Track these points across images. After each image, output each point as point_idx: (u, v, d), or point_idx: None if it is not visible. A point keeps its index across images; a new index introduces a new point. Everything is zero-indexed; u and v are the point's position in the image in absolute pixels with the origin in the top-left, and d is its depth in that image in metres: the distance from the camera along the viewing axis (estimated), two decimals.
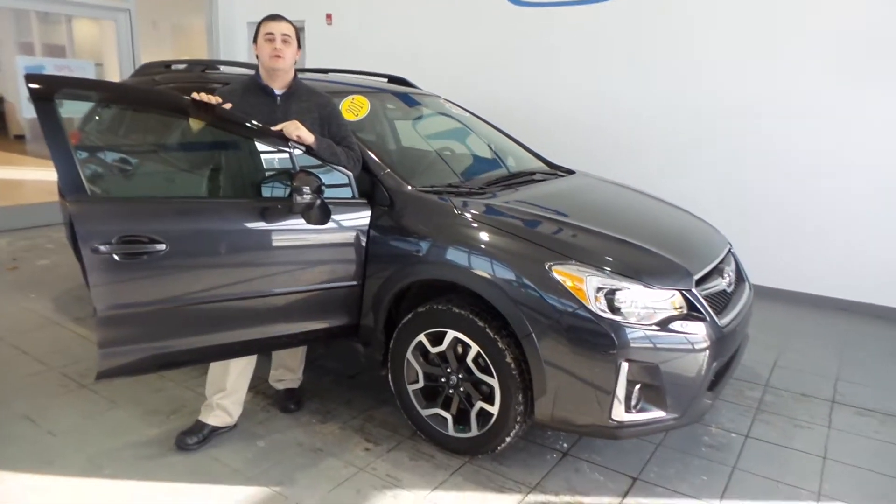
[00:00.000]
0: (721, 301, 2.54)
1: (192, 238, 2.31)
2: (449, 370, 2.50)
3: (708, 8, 4.68)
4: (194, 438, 2.54)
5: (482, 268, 2.36)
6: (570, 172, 3.57)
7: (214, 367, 2.59)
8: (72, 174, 2.12)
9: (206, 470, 2.41)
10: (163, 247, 2.20)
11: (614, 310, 2.22)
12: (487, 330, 2.33)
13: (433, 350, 2.51)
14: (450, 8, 5.91)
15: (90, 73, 6.41)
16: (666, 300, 2.29)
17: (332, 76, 3.67)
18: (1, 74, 7.43)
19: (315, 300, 2.58)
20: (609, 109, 5.20)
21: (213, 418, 2.59)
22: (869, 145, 4.24)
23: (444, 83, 5.04)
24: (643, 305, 2.25)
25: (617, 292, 2.24)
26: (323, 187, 2.36)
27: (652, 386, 2.25)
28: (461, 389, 2.49)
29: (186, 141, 2.60)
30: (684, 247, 2.70)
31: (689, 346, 2.27)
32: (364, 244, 2.62)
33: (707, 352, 2.29)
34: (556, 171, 3.58)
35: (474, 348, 2.38)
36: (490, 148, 3.67)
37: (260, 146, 2.52)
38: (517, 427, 2.38)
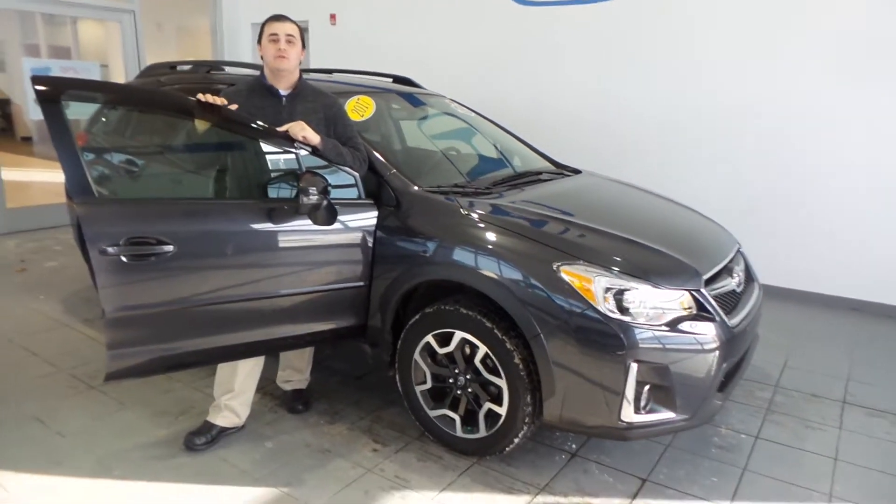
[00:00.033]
0: (731, 301, 2.52)
1: (200, 239, 2.31)
2: (457, 371, 2.49)
3: (711, 7, 4.65)
4: (202, 439, 2.54)
5: (490, 268, 2.35)
6: (577, 172, 3.55)
7: (222, 369, 2.60)
8: (79, 176, 2.12)
9: (215, 471, 2.41)
10: (170, 248, 2.20)
11: (623, 310, 2.20)
12: (495, 331, 2.32)
13: (441, 351, 2.50)
14: (454, 7, 5.90)
15: (96, 75, 6.43)
16: (675, 300, 2.28)
17: (336, 76, 3.67)
18: (7, 76, 7.46)
19: (322, 301, 2.58)
20: (615, 108, 5.18)
21: (222, 419, 2.59)
22: (880, 144, 4.21)
23: (449, 83, 5.03)
24: (652, 306, 2.24)
25: (625, 293, 2.22)
26: (329, 188, 2.36)
27: (661, 387, 2.24)
28: (469, 390, 2.48)
29: (192, 142, 2.61)
30: (693, 246, 2.68)
31: (699, 347, 2.25)
32: (371, 245, 2.61)
33: (717, 352, 2.27)
34: (563, 170, 3.56)
35: (482, 349, 2.38)
36: (496, 148, 3.66)
37: (266, 147, 2.51)
38: (525, 428, 2.37)
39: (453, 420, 2.53)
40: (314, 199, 2.30)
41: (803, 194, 4.50)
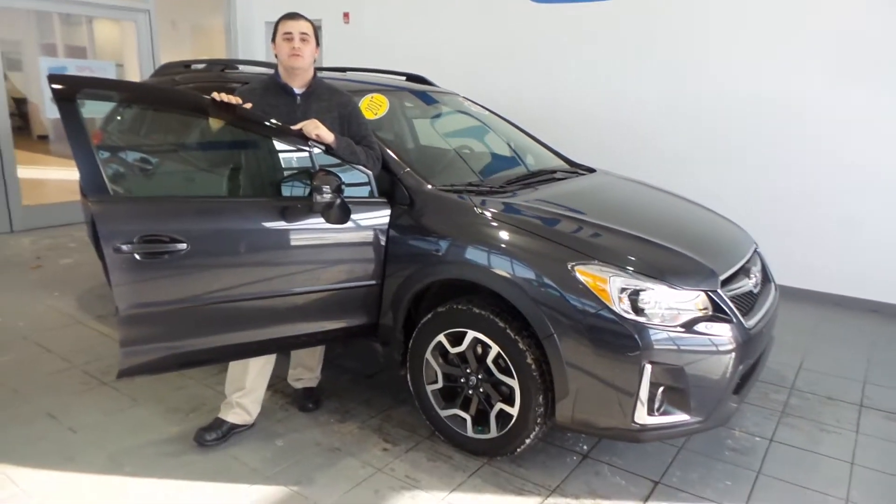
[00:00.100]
0: (747, 302, 2.49)
1: (213, 237, 2.31)
2: (468, 371, 2.48)
3: (728, 4, 4.60)
4: (213, 435, 2.55)
5: (503, 267, 2.34)
6: (591, 171, 3.53)
7: (234, 366, 2.60)
8: (94, 174, 2.13)
9: (226, 468, 2.42)
10: (184, 246, 2.20)
11: (638, 311, 2.18)
12: (508, 330, 2.30)
13: (453, 350, 2.49)
14: (468, 5, 5.89)
15: (111, 74, 6.48)
16: (691, 301, 2.25)
17: (349, 75, 3.67)
18: (24, 76, 7.54)
19: (334, 299, 2.58)
20: (631, 107, 5.14)
21: (233, 416, 2.60)
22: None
23: (462, 81, 5.02)
24: (667, 306, 2.21)
25: (641, 293, 2.20)
26: (343, 186, 2.35)
27: (676, 388, 2.21)
28: (480, 390, 2.46)
29: (207, 140, 2.61)
30: (709, 246, 2.65)
31: (715, 349, 2.23)
32: (384, 243, 2.60)
33: (733, 354, 2.24)
34: (577, 169, 3.54)
35: (494, 349, 2.36)
36: (509, 146, 3.64)
37: (280, 145, 2.51)
38: (537, 429, 2.35)
39: (464, 420, 2.51)
40: (328, 197, 2.30)
41: (820, 193, 4.45)
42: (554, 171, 3.31)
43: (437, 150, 3.45)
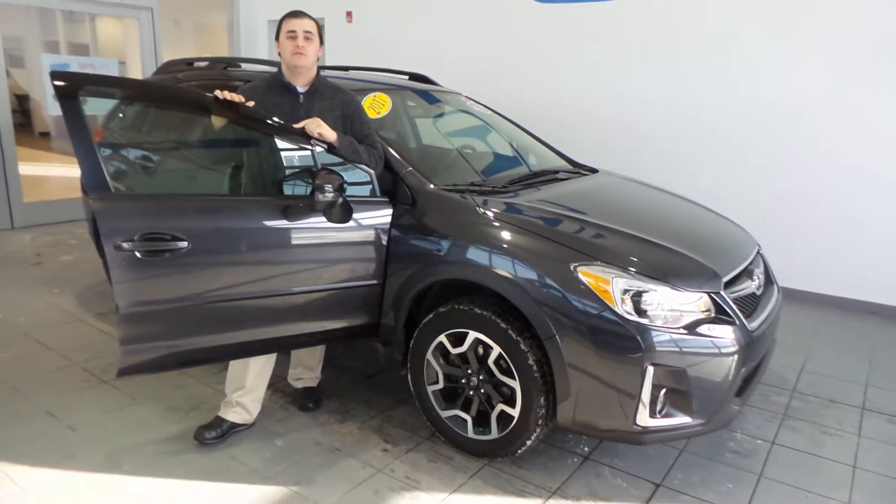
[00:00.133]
0: (750, 304, 2.48)
1: (214, 236, 2.30)
2: (469, 371, 2.47)
3: (730, 5, 4.60)
4: (213, 433, 2.54)
5: (505, 268, 2.33)
6: (594, 171, 3.52)
7: (234, 365, 2.59)
8: (95, 171, 2.12)
9: (225, 468, 2.41)
10: (185, 244, 2.19)
11: (640, 312, 2.17)
12: (510, 331, 2.29)
13: (454, 351, 2.48)
14: (471, 5, 5.88)
15: (114, 71, 6.48)
16: (693, 303, 2.24)
17: (352, 73, 3.66)
18: (26, 72, 7.54)
19: (335, 299, 2.57)
20: (632, 107, 5.13)
21: (233, 415, 2.59)
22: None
23: (465, 80, 5.01)
24: (670, 308, 2.20)
25: (643, 294, 2.19)
26: (345, 185, 2.34)
27: (678, 391, 2.20)
28: (482, 391, 2.46)
29: (209, 138, 2.60)
30: (712, 248, 2.64)
31: (717, 351, 2.22)
32: (385, 243, 2.59)
33: (736, 356, 2.23)
34: (580, 169, 3.53)
35: (496, 350, 2.35)
36: (512, 146, 3.63)
37: (282, 144, 2.51)
38: (538, 430, 2.34)
39: (465, 421, 2.50)
40: (330, 196, 2.29)
41: (820, 193, 4.44)
42: (556, 172, 3.30)
43: (439, 150, 3.44)
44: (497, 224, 2.45)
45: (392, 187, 2.65)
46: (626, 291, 2.18)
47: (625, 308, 2.16)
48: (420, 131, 3.58)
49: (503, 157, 3.58)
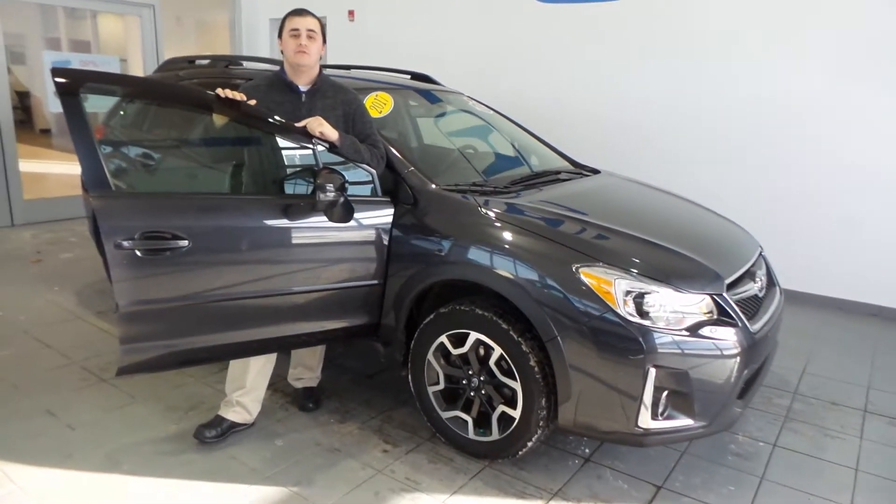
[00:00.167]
0: (752, 306, 2.47)
1: (215, 234, 2.29)
2: (470, 372, 2.46)
3: (731, 5, 4.59)
4: (213, 432, 2.53)
5: (506, 268, 2.32)
6: (596, 172, 3.50)
7: (234, 365, 2.58)
8: (96, 169, 2.11)
9: (224, 468, 2.40)
10: (185, 243, 2.18)
11: (643, 314, 2.16)
12: (511, 332, 2.28)
13: (455, 352, 2.47)
14: (473, 4, 5.87)
15: (115, 69, 6.46)
16: (696, 304, 2.23)
17: (354, 72, 3.65)
18: (28, 69, 7.53)
19: (336, 299, 2.56)
20: (633, 107, 5.12)
21: (233, 414, 2.58)
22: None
23: (466, 80, 5.00)
24: (672, 310, 2.19)
25: (646, 296, 2.18)
26: (346, 185, 2.33)
27: (680, 393, 2.19)
28: (483, 392, 2.45)
29: (210, 137, 2.59)
30: (715, 249, 2.63)
31: (720, 353, 2.21)
32: (386, 243, 2.58)
33: (738, 358, 2.22)
34: (582, 170, 3.52)
35: (497, 351, 2.34)
36: (514, 146, 3.62)
37: (283, 142, 2.50)
38: (539, 432, 2.33)
39: (466, 422, 2.49)
40: (331, 195, 2.28)
41: (820, 193, 4.44)
42: (558, 172, 3.29)
43: (440, 150, 3.43)
44: (499, 224, 2.44)
45: (393, 187, 2.64)
46: (628, 293, 2.17)
47: (627, 309, 2.15)
48: (422, 131, 3.57)
49: (505, 158, 3.57)
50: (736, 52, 4.62)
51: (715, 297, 2.27)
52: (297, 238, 2.43)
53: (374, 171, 2.57)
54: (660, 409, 2.19)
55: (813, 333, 4.03)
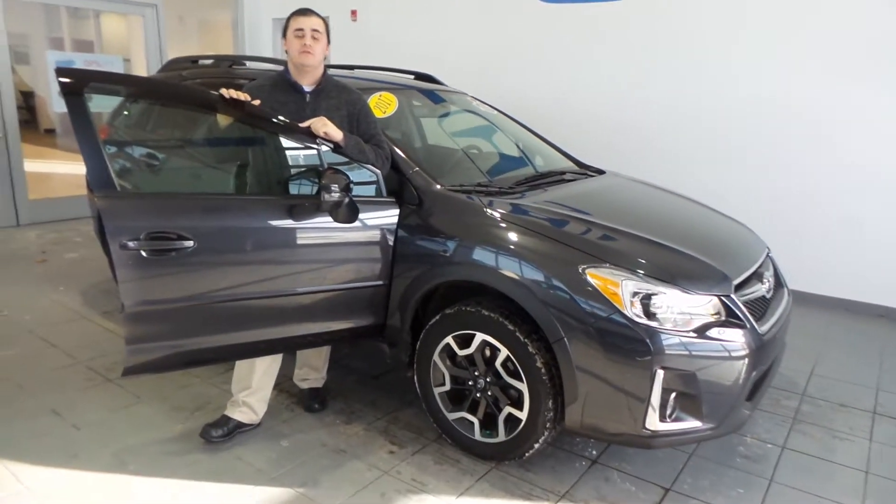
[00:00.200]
0: (760, 307, 2.45)
1: (220, 235, 2.28)
2: (477, 373, 2.44)
3: (734, 5, 4.56)
4: (219, 431, 2.53)
5: (512, 269, 2.30)
6: (601, 172, 3.49)
7: (240, 365, 2.58)
8: (100, 169, 2.10)
9: (230, 469, 2.39)
10: (190, 243, 2.18)
11: (650, 315, 2.14)
12: (517, 333, 2.27)
13: (461, 353, 2.45)
14: (476, 4, 5.85)
15: (118, 69, 6.47)
16: (704, 306, 2.21)
17: (357, 73, 3.63)
18: (32, 69, 7.54)
19: (341, 299, 2.55)
20: (640, 108, 5.10)
21: (239, 414, 2.58)
22: None
23: (469, 80, 4.99)
24: (680, 311, 2.17)
25: (653, 297, 2.16)
26: (351, 185, 2.32)
27: (688, 394, 2.18)
28: (489, 393, 2.43)
29: (214, 137, 2.59)
30: (722, 250, 2.61)
31: (728, 354, 2.19)
32: (391, 243, 2.57)
33: (746, 360, 2.20)
34: (586, 170, 3.50)
35: (503, 352, 2.33)
36: (518, 147, 3.61)
37: (288, 143, 2.49)
38: (546, 433, 2.31)
39: (472, 423, 2.48)
40: (336, 196, 2.27)
41: (820, 193, 4.41)
42: (563, 173, 3.28)
43: (445, 150, 3.42)
44: (504, 225, 2.43)
45: (398, 187, 2.63)
46: (635, 294, 2.16)
47: (634, 311, 2.13)
48: (426, 131, 3.55)
49: (509, 158, 3.55)
50: (736, 52, 4.60)
51: (723, 298, 2.25)
52: (302, 238, 2.42)
53: (378, 171, 2.56)
54: (668, 411, 2.18)
55: (820, 334, 4.00)
